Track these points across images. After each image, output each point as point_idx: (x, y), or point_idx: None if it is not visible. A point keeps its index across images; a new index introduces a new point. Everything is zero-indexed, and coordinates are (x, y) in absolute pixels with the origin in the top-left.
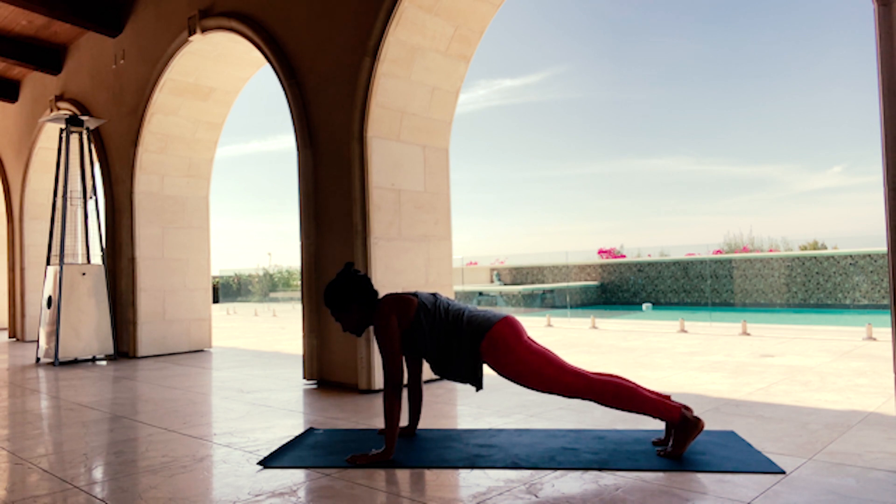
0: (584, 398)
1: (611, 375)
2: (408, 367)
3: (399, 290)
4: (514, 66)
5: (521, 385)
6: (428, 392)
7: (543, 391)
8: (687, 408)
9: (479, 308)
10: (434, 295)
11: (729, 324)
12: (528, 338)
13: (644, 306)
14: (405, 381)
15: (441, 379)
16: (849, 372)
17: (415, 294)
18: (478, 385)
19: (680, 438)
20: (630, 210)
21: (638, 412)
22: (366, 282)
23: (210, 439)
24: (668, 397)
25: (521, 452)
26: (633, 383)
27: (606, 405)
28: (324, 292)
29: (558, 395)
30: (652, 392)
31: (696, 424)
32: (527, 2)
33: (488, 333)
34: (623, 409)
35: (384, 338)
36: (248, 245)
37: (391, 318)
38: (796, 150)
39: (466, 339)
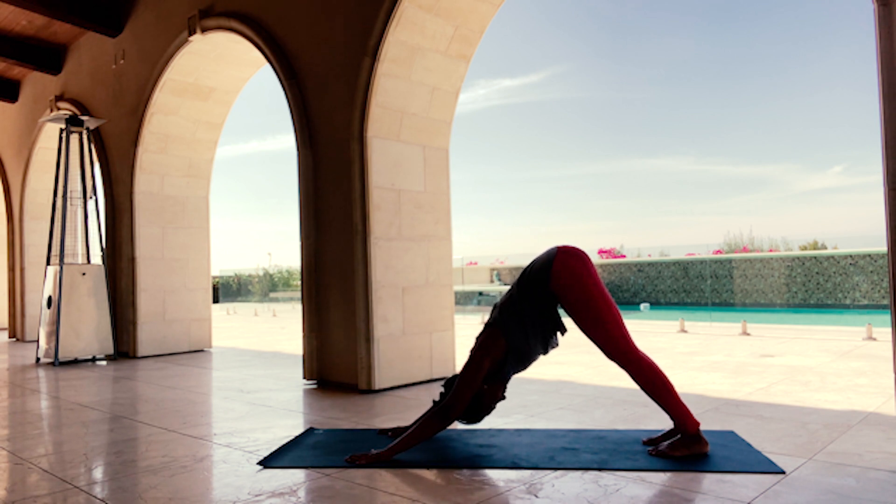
0: (621, 363)
1: (653, 362)
2: None
3: (399, 289)
4: (514, 66)
5: (580, 327)
6: (428, 391)
7: (594, 339)
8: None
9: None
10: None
11: (729, 324)
12: (596, 274)
13: (642, 306)
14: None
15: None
16: (849, 372)
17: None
18: (563, 329)
19: (682, 446)
20: (630, 210)
21: (661, 404)
22: (481, 388)
23: (210, 439)
24: None
25: (521, 452)
26: (668, 380)
27: (638, 382)
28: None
29: (602, 345)
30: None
31: (703, 446)
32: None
33: (552, 268)
34: (650, 393)
35: (468, 372)
36: (248, 245)
37: (483, 361)
38: (796, 150)
39: (536, 289)
